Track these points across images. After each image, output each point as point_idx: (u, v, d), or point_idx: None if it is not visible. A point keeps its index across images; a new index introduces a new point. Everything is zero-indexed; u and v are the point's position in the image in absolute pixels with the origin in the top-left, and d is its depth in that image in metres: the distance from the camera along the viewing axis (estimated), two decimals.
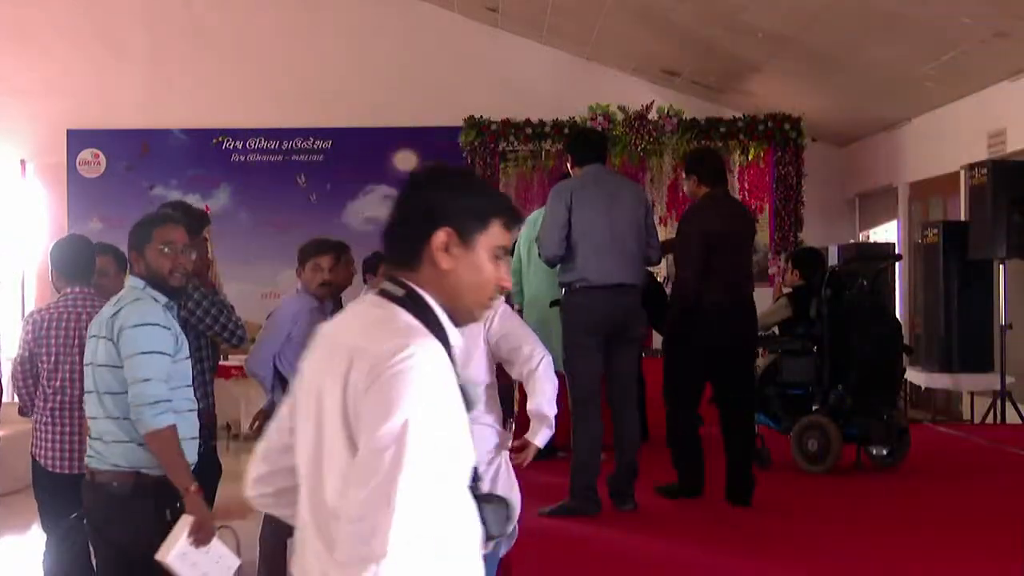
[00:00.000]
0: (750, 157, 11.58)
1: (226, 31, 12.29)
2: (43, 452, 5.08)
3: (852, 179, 12.60)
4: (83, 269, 5.05)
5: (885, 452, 6.66)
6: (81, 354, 4.95)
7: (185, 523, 3.61)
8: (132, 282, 3.88)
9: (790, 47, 9.92)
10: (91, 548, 4.03)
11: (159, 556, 3.57)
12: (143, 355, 3.64)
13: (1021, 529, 5.03)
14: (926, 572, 4.59)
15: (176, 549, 3.59)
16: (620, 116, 11.20)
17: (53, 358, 5.03)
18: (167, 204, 5.28)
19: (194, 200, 10.18)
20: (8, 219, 12.19)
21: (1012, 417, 8.62)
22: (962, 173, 9.57)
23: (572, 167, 5.85)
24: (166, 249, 3.84)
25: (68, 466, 5.02)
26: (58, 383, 5.02)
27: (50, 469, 5.04)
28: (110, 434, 3.74)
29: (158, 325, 3.72)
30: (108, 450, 3.73)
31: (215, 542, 3.71)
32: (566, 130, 10.97)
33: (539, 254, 5.87)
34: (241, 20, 12.29)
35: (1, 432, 9.65)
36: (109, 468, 3.73)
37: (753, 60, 10.68)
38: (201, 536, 3.64)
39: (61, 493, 5.06)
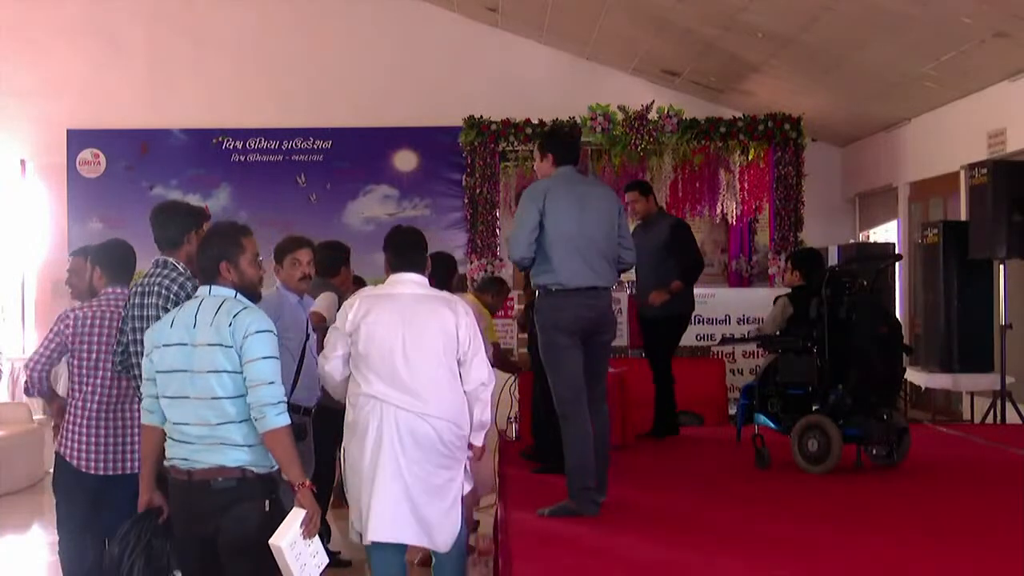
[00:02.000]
0: (750, 157, 11.58)
1: (226, 31, 12.30)
2: (78, 453, 5.07)
3: (852, 179, 12.60)
4: (128, 271, 5.26)
5: (885, 452, 6.66)
6: (112, 349, 5.00)
7: (298, 515, 3.85)
8: (225, 292, 4.02)
9: (790, 47, 9.92)
10: (166, 547, 4.13)
11: (273, 541, 3.78)
12: (267, 360, 3.88)
13: (1021, 529, 5.03)
14: (926, 572, 4.59)
15: (289, 537, 3.81)
16: (620, 116, 11.19)
17: (95, 355, 5.09)
18: (163, 203, 5.29)
19: (194, 200, 10.20)
20: (8, 219, 12.19)
21: (1012, 417, 8.62)
22: (962, 173, 9.58)
23: (551, 165, 5.74)
24: (259, 260, 4.13)
25: (105, 467, 5.06)
26: (98, 380, 5.07)
27: (92, 472, 5.05)
28: (215, 437, 3.87)
29: (272, 332, 3.98)
30: (209, 451, 3.88)
31: (316, 537, 3.93)
32: (566, 129, 10.98)
33: (508, 256, 5.81)
34: (241, 20, 12.30)
35: (1, 432, 9.66)
36: (212, 466, 3.87)
37: (753, 60, 10.69)
38: (310, 528, 3.88)
39: (91, 494, 5.08)
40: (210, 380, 3.87)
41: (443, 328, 4.67)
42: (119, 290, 5.20)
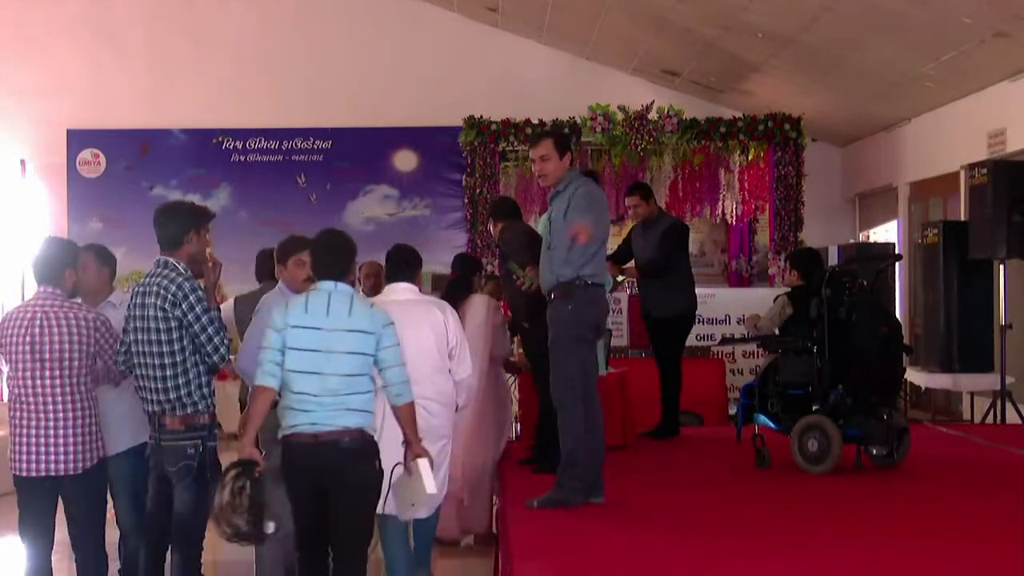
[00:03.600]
0: (750, 157, 11.59)
1: (226, 31, 12.31)
2: (12, 455, 4.99)
3: (852, 179, 12.60)
4: (51, 271, 5.10)
5: (885, 452, 6.66)
6: (31, 351, 4.90)
7: (426, 464, 4.68)
8: (349, 288, 4.64)
9: (790, 47, 9.92)
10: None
11: (429, 490, 4.68)
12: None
13: (1021, 529, 5.03)
14: (926, 572, 4.60)
15: (434, 482, 4.75)
16: (620, 116, 11.20)
17: (15, 355, 4.96)
18: (166, 204, 5.28)
19: (194, 200, 10.20)
20: (8, 219, 12.19)
21: (1012, 417, 8.62)
22: (962, 173, 9.58)
23: (567, 162, 5.78)
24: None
25: (38, 468, 4.94)
26: (21, 381, 4.95)
27: (26, 474, 4.96)
28: (340, 404, 4.44)
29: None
30: (333, 416, 4.44)
31: None
32: (566, 130, 11.00)
33: (588, 238, 5.51)
34: (241, 20, 12.30)
35: (1, 432, 9.65)
36: (338, 428, 4.45)
37: (753, 60, 10.69)
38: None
39: (44, 499, 5.03)
40: (346, 359, 4.45)
41: (434, 327, 5.40)
42: (41, 288, 5.09)
